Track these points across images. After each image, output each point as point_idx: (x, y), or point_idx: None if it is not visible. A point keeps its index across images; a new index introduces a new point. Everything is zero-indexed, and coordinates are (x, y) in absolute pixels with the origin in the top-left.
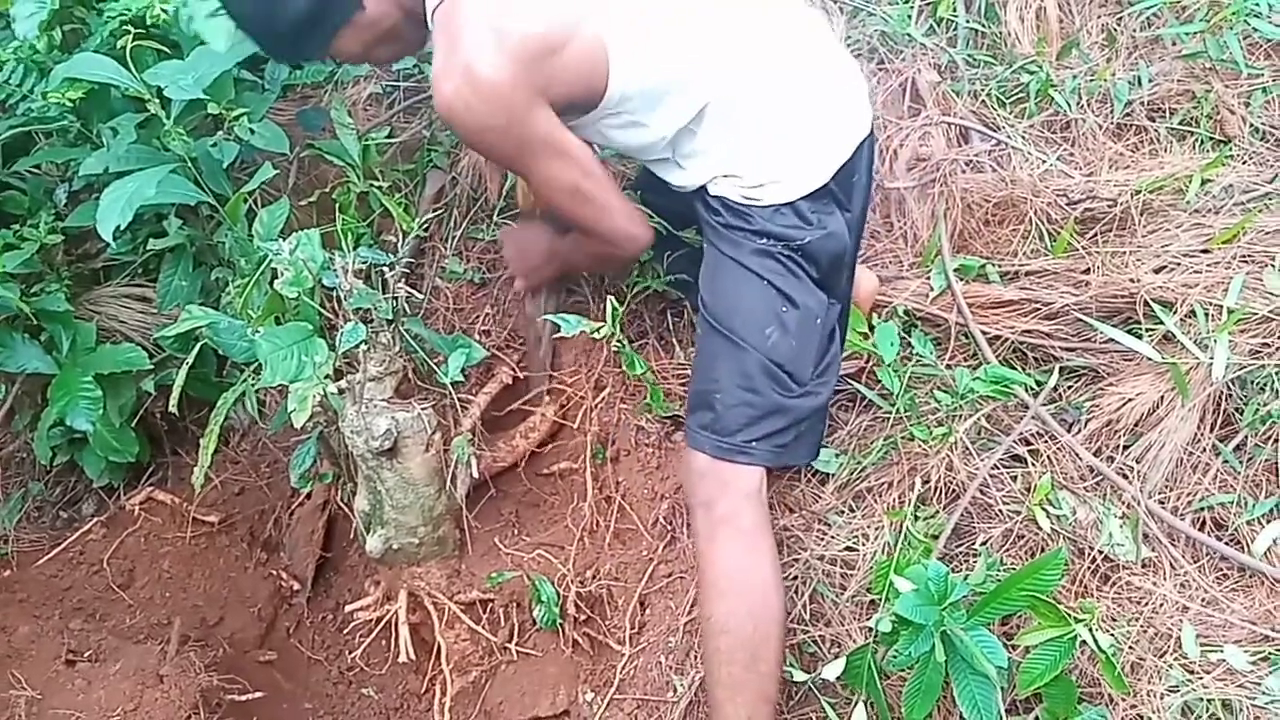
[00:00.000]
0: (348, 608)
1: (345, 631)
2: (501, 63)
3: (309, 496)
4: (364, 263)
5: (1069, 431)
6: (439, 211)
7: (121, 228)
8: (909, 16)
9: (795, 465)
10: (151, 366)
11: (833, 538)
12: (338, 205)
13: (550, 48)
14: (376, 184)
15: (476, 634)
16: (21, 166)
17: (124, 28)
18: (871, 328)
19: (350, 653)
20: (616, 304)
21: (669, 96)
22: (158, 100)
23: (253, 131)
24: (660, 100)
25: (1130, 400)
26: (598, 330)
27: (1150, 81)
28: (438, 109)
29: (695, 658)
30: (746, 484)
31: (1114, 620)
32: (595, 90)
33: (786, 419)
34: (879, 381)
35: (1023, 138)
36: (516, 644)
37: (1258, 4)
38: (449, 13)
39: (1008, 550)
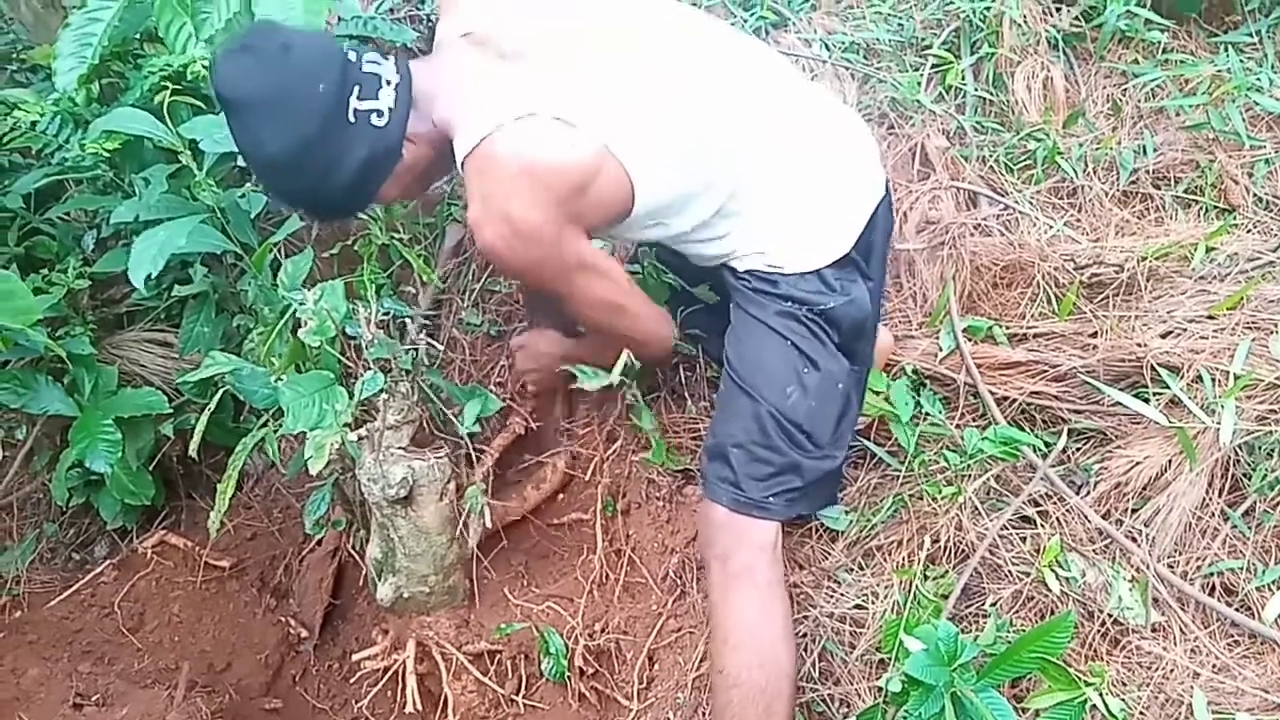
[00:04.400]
0: (355, 656)
1: (352, 681)
2: (535, 206)
3: (320, 543)
4: (386, 313)
5: (1078, 493)
6: (458, 264)
7: (152, 275)
8: (919, 84)
9: (809, 515)
10: (170, 411)
11: (842, 595)
12: (359, 257)
13: (579, 186)
14: (397, 236)
15: (484, 685)
16: (53, 214)
17: (162, 83)
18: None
19: (356, 702)
20: (632, 359)
21: (691, 199)
22: (190, 152)
23: None
24: (684, 205)
25: (1138, 463)
26: (608, 380)
27: (1155, 151)
28: (480, 250)
29: (704, 715)
30: (763, 538)
31: (1124, 685)
32: (624, 211)
33: (802, 478)
34: (889, 438)
35: (1030, 203)
36: (524, 696)
37: (1259, 78)
38: (480, 164)
39: (1017, 611)
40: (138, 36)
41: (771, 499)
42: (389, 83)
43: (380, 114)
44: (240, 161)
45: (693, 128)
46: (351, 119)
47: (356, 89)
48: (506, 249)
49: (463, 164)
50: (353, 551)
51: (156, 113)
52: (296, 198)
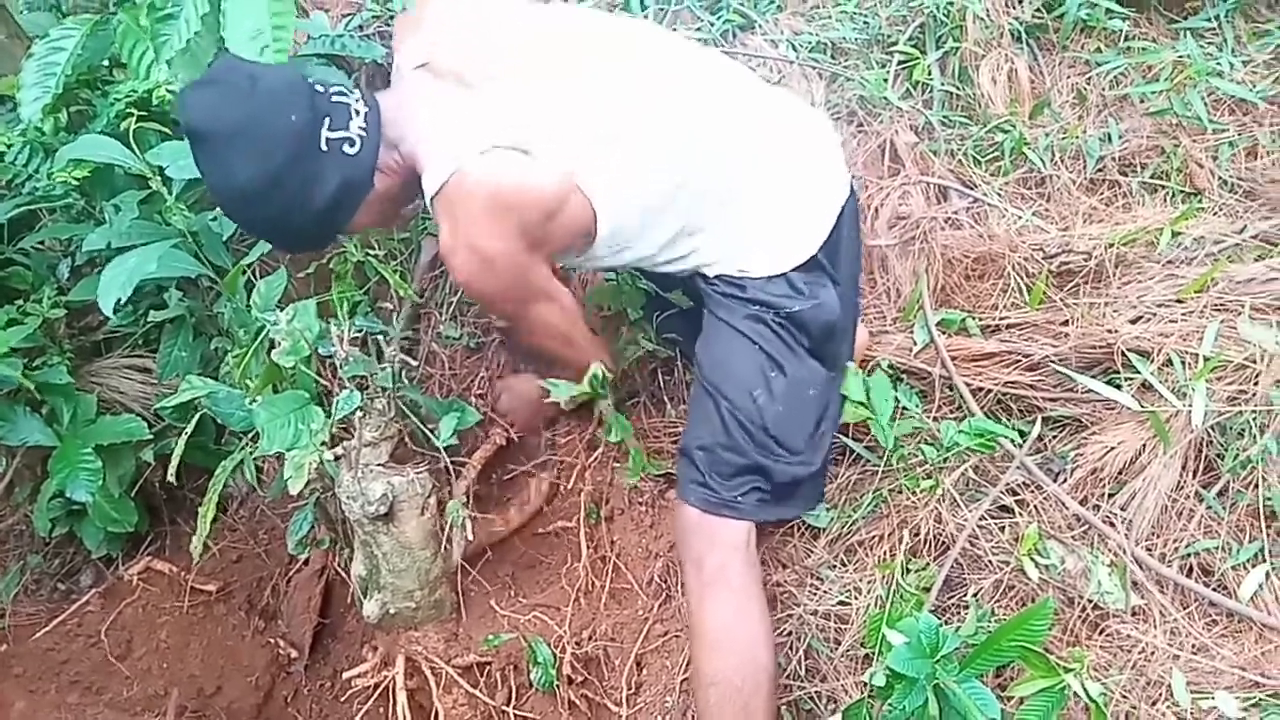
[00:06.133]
0: (345, 674)
1: (343, 699)
2: (499, 237)
3: (306, 563)
4: (360, 331)
5: (1054, 481)
6: (434, 278)
7: (123, 301)
8: (885, 80)
9: (788, 519)
10: (151, 436)
11: (825, 592)
12: (334, 275)
13: (543, 214)
14: (373, 253)
15: (474, 698)
16: (26, 243)
17: (128, 109)
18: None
19: None
20: (601, 370)
21: (654, 219)
22: (160, 178)
23: None
24: (646, 226)
25: (1113, 449)
26: (576, 391)
27: (1120, 138)
28: (454, 280)
29: (692, 717)
30: (735, 538)
31: (1105, 669)
32: (587, 235)
33: (770, 480)
34: (867, 434)
35: (999, 195)
36: (514, 707)
37: (1219, 63)
38: (448, 200)
39: (998, 601)
40: (105, 63)
41: (740, 498)
42: (358, 112)
43: (352, 143)
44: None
45: (653, 148)
46: (324, 148)
47: (328, 120)
48: (473, 277)
49: (431, 201)
50: (340, 570)
51: (124, 139)
52: (266, 228)
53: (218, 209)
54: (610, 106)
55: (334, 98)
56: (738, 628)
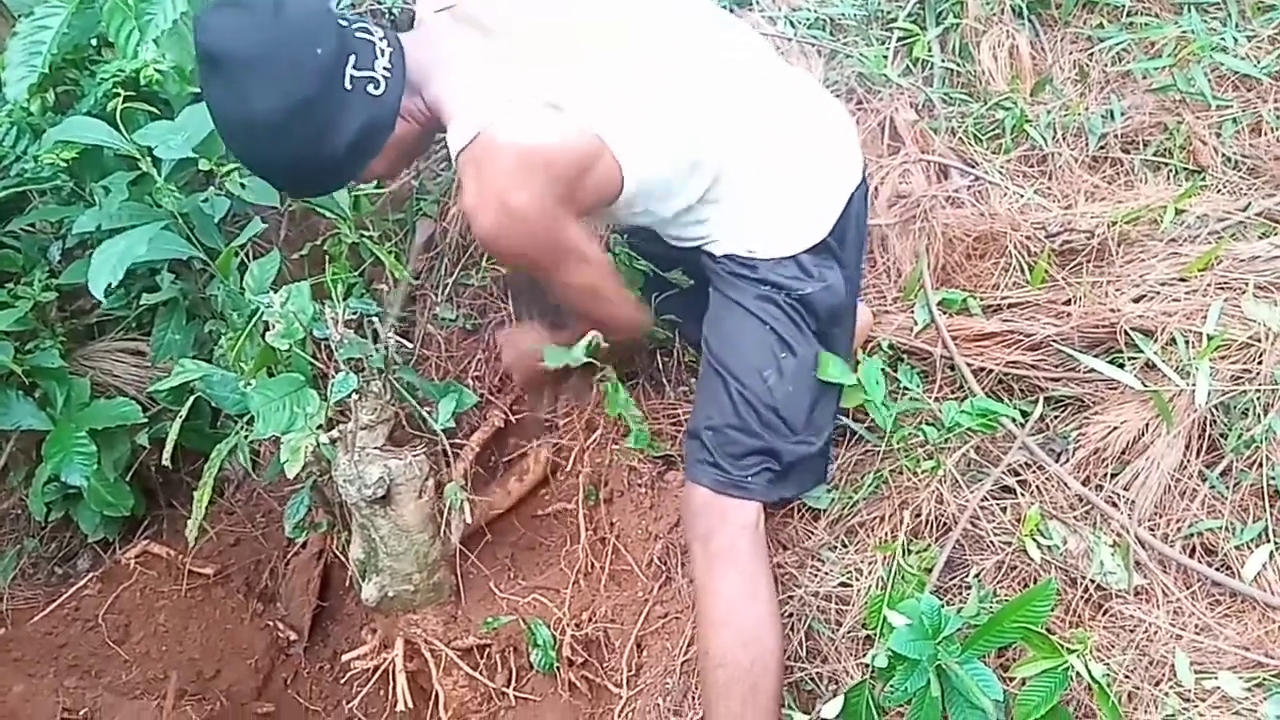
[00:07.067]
0: (345, 657)
1: (343, 681)
2: (530, 191)
3: (304, 546)
4: (354, 313)
5: (1057, 461)
6: (429, 259)
7: (113, 285)
8: (885, 57)
9: (796, 496)
10: (146, 420)
11: (826, 574)
12: (329, 256)
13: (573, 170)
14: (367, 234)
15: (474, 680)
16: (16, 225)
17: (115, 90)
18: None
19: (348, 703)
20: (597, 340)
21: (677, 184)
22: (149, 159)
23: (244, 186)
24: (670, 190)
25: (1116, 429)
26: (571, 357)
27: (1123, 115)
28: (478, 237)
29: (694, 699)
30: (744, 518)
31: (1109, 649)
32: (613, 195)
33: (780, 461)
34: (867, 415)
35: (1000, 173)
36: (514, 689)
37: (1223, 39)
38: (477, 155)
39: (1000, 581)
40: (92, 42)
41: (751, 479)
42: (383, 52)
43: (377, 84)
44: (201, 166)
45: (679, 115)
46: (348, 86)
47: (353, 57)
48: (502, 235)
49: (458, 156)
50: (338, 553)
51: (111, 120)
52: (274, 167)
53: (210, 190)
54: (640, 73)
55: (359, 34)
56: (745, 606)
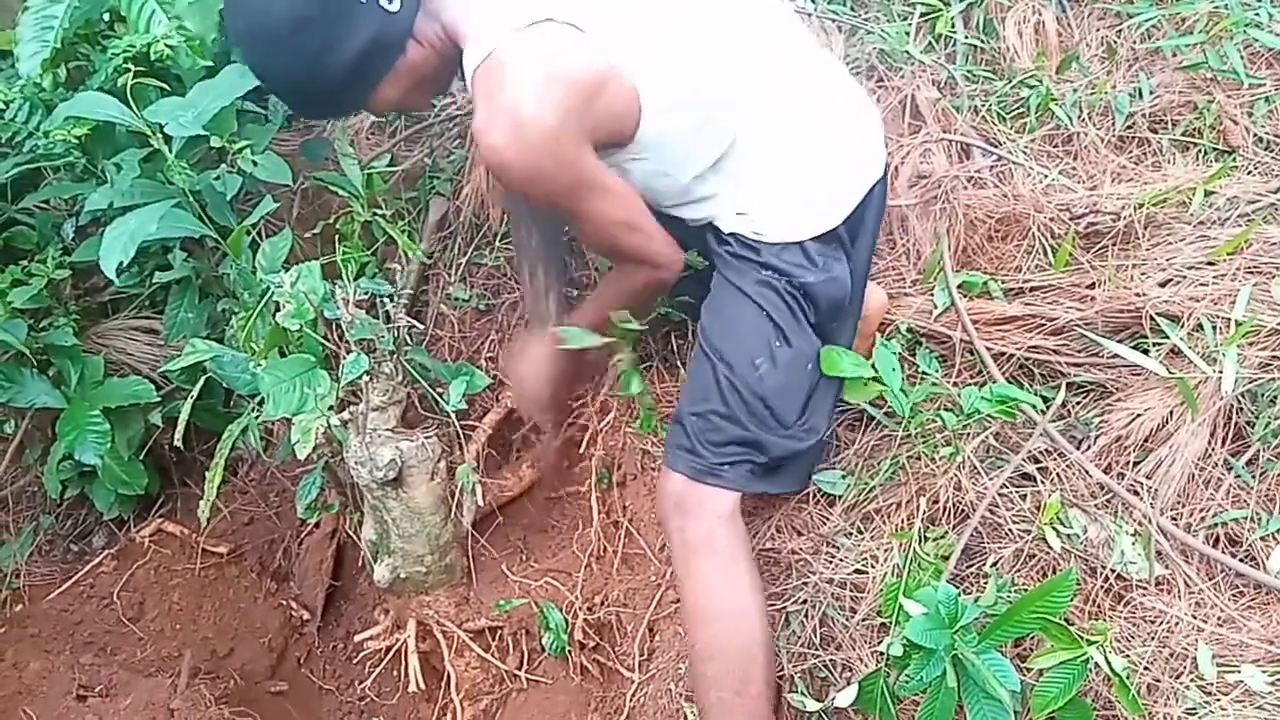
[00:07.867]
0: (357, 637)
1: (356, 661)
2: (547, 108)
3: (318, 525)
4: (365, 293)
5: (1078, 448)
6: (443, 238)
7: (125, 263)
8: (907, 34)
9: (774, 494)
10: (159, 399)
11: (841, 560)
12: (341, 235)
13: (591, 92)
14: (380, 213)
15: (486, 662)
16: (29, 202)
17: (125, 65)
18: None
19: (361, 682)
20: (630, 319)
21: (692, 137)
22: (160, 136)
23: (255, 164)
24: (685, 143)
25: (1139, 416)
26: (595, 342)
27: (1151, 94)
28: (484, 159)
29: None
30: (720, 507)
31: (1129, 641)
32: (627, 132)
33: (765, 454)
34: (884, 401)
35: (1024, 152)
36: (526, 671)
37: (1257, 14)
38: (491, 69)
39: (1019, 570)
40: (104, 17)
41: (728, 468)
42: None
43: None
44: (213, 143)
45: (702, 60)
46: None
47: None
48: (514, 154)
49: (473, 75)
50: (351, 533)
51: (122, 96)
52: (287, 79)
53: (221, 168)
54: (666, 16)
55: None
56: (726, 597)
